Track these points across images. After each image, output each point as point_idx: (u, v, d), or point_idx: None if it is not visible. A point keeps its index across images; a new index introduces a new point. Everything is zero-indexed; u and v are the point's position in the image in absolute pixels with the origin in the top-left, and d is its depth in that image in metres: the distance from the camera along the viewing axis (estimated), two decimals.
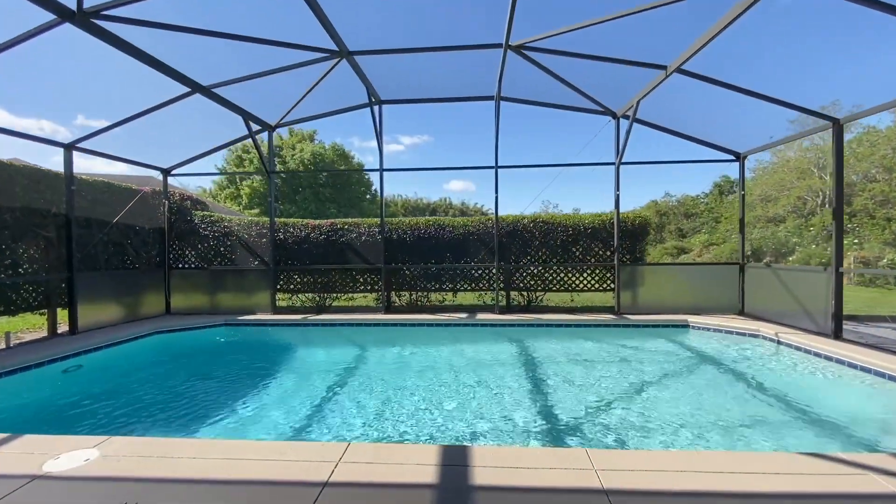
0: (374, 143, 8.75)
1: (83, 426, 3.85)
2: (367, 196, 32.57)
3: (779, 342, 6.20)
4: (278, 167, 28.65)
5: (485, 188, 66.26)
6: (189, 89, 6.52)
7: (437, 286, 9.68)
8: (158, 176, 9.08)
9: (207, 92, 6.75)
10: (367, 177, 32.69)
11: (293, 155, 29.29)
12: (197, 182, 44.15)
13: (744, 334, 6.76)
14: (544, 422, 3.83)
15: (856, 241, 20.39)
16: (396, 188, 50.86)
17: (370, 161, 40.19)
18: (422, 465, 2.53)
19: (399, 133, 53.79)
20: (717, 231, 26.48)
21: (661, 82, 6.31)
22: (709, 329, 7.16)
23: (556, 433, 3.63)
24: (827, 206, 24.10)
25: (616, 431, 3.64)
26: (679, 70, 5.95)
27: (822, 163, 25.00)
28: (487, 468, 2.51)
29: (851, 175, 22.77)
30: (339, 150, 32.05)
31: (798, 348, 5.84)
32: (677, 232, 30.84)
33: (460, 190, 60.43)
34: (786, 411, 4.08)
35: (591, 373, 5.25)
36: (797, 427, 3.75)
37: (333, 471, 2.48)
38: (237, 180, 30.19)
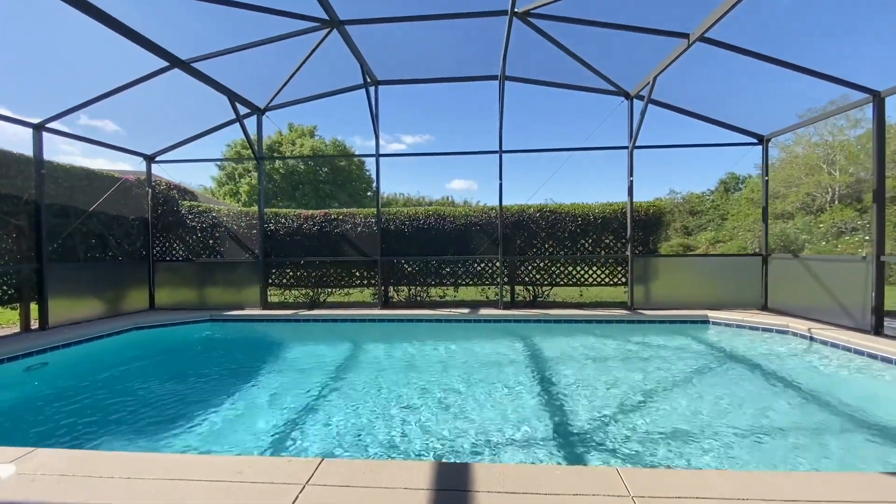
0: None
1: (21, 433, 3.33)
2: (369, 193, 32.03)
3: (812, 339, 5.64)
4: (277, 163, 28.18)
5: (487, 187, 65.38)
6: (167, 63, 5.99)
7: (438, 280, 9.12)
8: (156, 170, 8.59)
9: (187, 67, 6.21)
10: (367, 173, 32.16)
11: (293, 150, 28.81)
12: (199, 181, 43.76)
13: (771, 330, 6.20)
14: (561, 432, 3.27)
15: (867, 237, 19.75)
16: (398, 187, 50.06)
17: (373, 160, 39.57)
18: (410, 490, 1.99)
19: (401, 132, 53.05)
20: (724, 228, 25.83)
21: (682, 53, 5.74)
22: (731, 325, 6.60)
23: (577, 446, 3.08)
24: (836, 202, 23.43)
25: (650, 445, 3.07)
26: (703, 38, 5.38)
27: (830, 158, 24.37)
28: (495, 493, 1.97)
29: (861, 171, 22.12)
30: (339, 145, 31.54)
31: (835, 345, 5.28)
32: (682, 230, 30.19)
33: (462, 189, 59.57)
34: (839, 417, 3.51)
35: (610, 373, 4.69)
36: (856, 436, 3.20)
37: (298, 496, 1.94)
38: (236, 177, 29.70)
